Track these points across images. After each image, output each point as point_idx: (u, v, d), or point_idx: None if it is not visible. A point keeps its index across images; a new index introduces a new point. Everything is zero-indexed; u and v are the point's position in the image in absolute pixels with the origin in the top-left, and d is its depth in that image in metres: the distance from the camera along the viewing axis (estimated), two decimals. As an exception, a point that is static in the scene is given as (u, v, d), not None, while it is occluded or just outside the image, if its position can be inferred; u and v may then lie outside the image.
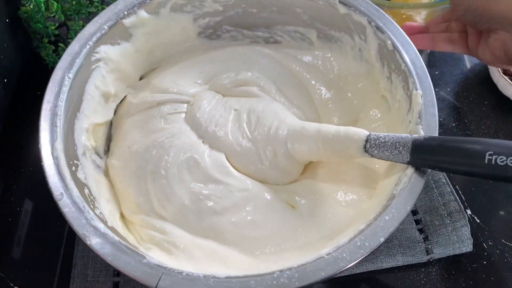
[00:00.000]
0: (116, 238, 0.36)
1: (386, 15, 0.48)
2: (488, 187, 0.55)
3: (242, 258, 0.40)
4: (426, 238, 0.49)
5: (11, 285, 0.46)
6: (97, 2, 0.60)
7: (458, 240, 0.49)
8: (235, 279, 0.34)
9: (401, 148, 0.38)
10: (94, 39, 0.46)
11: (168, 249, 0.41)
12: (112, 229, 0.39)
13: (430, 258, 0.48)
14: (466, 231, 0.49)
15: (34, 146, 0.57)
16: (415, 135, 0.38)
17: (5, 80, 0.56)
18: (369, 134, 0.40)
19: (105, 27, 0.47)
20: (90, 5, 0.59)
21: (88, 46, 0.46)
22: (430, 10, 0.58)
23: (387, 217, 0.36)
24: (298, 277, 0.33)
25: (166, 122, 0.48)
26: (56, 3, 0.57)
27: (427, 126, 0.41)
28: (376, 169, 0.46)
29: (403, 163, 0.38)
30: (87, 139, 0.46)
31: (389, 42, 0.47)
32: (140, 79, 0.55)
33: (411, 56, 0.45)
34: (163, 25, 0.52)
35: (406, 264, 0.48)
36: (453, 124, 0.60)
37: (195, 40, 0.56)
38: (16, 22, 0.57)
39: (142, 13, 0.50)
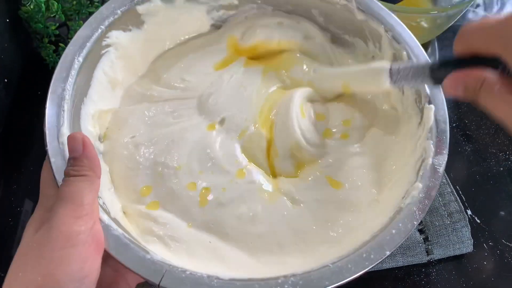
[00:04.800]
0: (120, 230, 0.35)
1: (404, 25, 0.47)
2: (489, 187, 0.55)
3: (243, 258, 0.40)
4: (426, 239, 0.49)
5: (11, 285, 0.46)
6: (98, 2, 0.60)
7: (459, 240, 0.49)
8: (239, 282, 0.34)
9: (421, 78, 0.39)
10: (106, 23, 0.45)
11: (168, 243, 0.40)
12: (115, 220, 0.38)
13: (430, 259, 0.48)
14: (467, 231, 0.49)
15: (34, 146, 0.57)
16: (431, 62, 0.38)
17: (6, 80, 0.56)
18: (391, 67, 0.41)
19: (118, 12, 0.46)
20: (90, 5, 0.59)
21: (99, 30, 0.45)
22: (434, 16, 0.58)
23: (393, 231, 0.36)
24: (303, 284, 0.33)
25: (174, 117, 0.48)
26: (56, 3, 0.57)
27: (438, 142, 0.41)
28: (383, 176, 0.45)
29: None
30: (92, 125, 0.45)
31: (404, 53, 0.46)
32: None
33: None
34: (176, 14, 0.52)
35: (406, 264, 0.48)
36: (454, 125, 0.60)
37: (207, 32, 0.55)
38: (17, 22, 0.57)
39: (157, 1, 0.49)
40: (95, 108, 0.45)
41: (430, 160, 0.40)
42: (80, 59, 0.43)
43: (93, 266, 0.31)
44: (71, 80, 0.41)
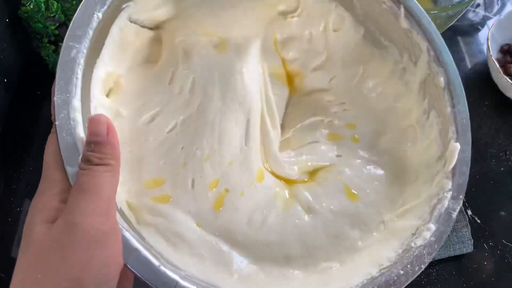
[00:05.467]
0: (132, 232, 0.33)
1: (447, 48, 0.44)
2: (489, 187, 0.55)
3: (246, 264, 0.39)
4: (426, 239, 0.49)
5: (11, 285, 0.46)
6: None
7: (459, 241, 0.49)
8: None
9: None
10: None
11: (173, 241, 0.38)
12: (121, 212, 0.35)
13: (431, 259, 0.48)
14: (467, 232, 0.49)
15: (34, 146, 0.57)
16: None
17: (5, 80, 0.56)
18: None
19: None
20: (90, 5, 0.59)
21: None
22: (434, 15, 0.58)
23: (401, 271, 0.36)
24: None
25: (194, 93, 0.43)
26: (56, 3, 0.56)
27: (457, 185, 0.40)
28: (396, 196, 0.43)
29: None
30: (101, 91, 0.39)
31: (442, 79, 0.43)
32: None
33: (459, 103, 0.42)
34: None
35: (406, 264, 0.48)
36: (454, 124, 0.60)
37: None
38: (16, 22, 0.57)
39: None
40: (105, 71, 0.40)
41: (446, 203, 0.39)
42: (100, 14, 0.36)
43: (117, 269, 0.28)
44: (87, 40, 0.35)
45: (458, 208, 0.39)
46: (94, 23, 0.35)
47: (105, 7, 0.36)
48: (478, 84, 0.64)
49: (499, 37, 0.64)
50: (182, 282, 0.32)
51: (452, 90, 0.42)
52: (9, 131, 0.56)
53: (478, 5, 0.75)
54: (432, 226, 0.38)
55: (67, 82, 0.33)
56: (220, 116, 0.42)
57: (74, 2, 0.58)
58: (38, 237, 0.27)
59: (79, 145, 0.31)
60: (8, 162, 0.54)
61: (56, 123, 0.31)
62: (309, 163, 0.46)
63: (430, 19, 0.45)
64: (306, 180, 0.45)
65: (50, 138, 0.32)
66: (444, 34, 0.67)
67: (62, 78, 0.33)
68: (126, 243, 0.31)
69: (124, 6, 0.40)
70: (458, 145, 0.40)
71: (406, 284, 0.36)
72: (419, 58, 0.45)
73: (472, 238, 0.49)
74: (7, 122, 0.57)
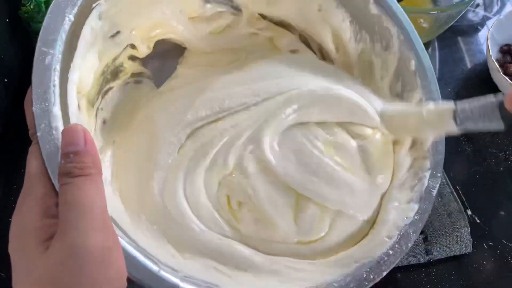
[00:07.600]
0: (126, 239, 0.33)
1: (416, 32, 0.45)
2: (489, 187, 0.55)
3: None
4: (425, 239, 0.49)
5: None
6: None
7: (458, 241, 0.49)
8: None
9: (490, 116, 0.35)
10: None
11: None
12: (113, 220, 0.34)
13: (430, 259, 0.48)
14: (466, 232, 0.49)
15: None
16: (499, 99, 0.34)
17: (6, 80, 0.56)
18: (456, 107, 0.37)
19: None
20: (90, 5, 0.59)
21: None
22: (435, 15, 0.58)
23: (391, 252, 0.38)
24: None
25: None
26: (56, 3, 0.57)
27: (435, 164, 0.42)
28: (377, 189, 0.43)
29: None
30: (77, 96, 0.37)
31: (413, 62, 0.44)
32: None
33: (430, 83, 0.43)
34: None
35: (405, 264, 0.48)
36: (454, 125, 0.60)
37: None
38: (16, 22, 0.57)
39: None
40: (79, 73, 0.37)
41: (426, 182, 0.41)
42: (71, 17, 0.34)
43: (125, 281, 0.28)
44: (60, 44, 0.32)
45: (437, 185, 0.41)
46: (66, 26, 0.33)
47: (76, 8, 0.34)
48: (478, 84, 0.64)
49: (499, 37, 0.64)
50: (182, 284, 0.33)
51: (422, 72, 0.44)
52: (9, 131, 0.56)
53: (478, 5, 0.75)
54: (415, 206, 0.40)
55: (45, 90, 0.30)
56: None
57: (74, 2, 0.58)
58: (39, 261, 0.26)
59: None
60: (8, 162, 0.54)
61: (38, 134, 0.29)
62: None
63: (398, 5, 0.45)
64: None
65: (32, 150, 0.30)
66: (444, 34, 0.67)
67: (39, 86, 0.30)
68: (124, 252, 0.30)
69: (94, 5, 0.38)
70: None
71: (396, 262, 0.38)
72: (390, 43, 0.45)
73: (472, 238, 0.49)
74: (7, 122, 0.57)
